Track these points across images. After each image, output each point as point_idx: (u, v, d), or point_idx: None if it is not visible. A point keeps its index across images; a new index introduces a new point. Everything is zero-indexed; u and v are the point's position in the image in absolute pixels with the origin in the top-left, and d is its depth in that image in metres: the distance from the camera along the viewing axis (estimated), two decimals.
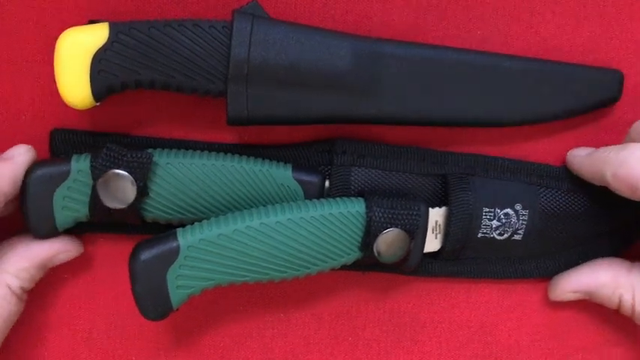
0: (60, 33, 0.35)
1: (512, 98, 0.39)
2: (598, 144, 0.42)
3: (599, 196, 0.40)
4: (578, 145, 0.42)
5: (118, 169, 0.35)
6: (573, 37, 0.41)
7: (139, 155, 0.35)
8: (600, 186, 0.38)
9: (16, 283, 0.36)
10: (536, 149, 0.42)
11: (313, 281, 0.42)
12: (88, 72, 0.34)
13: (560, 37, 0.41)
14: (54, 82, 0.35)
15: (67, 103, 0.35)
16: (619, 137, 0.42)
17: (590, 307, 0.43)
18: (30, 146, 0.37)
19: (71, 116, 0.39)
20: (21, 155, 0.36)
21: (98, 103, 0.36)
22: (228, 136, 0.40)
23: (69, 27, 0.35)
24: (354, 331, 0.42)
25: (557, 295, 0.42)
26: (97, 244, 0.40)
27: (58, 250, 0.37)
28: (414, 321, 0.42)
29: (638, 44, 0.41)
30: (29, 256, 0.37)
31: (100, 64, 0.34)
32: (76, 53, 0.34)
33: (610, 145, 0.39)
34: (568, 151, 0.42)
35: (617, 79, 0.40)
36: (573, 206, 0.41)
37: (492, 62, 0.38)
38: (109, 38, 0.34)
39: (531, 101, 0.39)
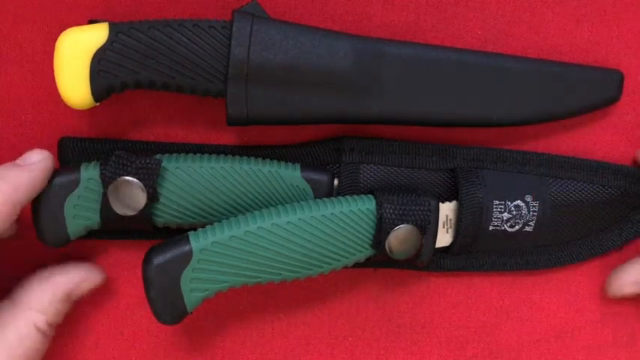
0: (60, 33, 0.35)
1: (512, 98, 0.39)
2: (598, 144, 0.42)
3: (610, 186, 0.41)
4: (578, 145, 0.42)
5: (127, 175, 0.35)
6: (573, 37, 0.41)
7: (148, 161, 0.35)
8: (610, 175, 0.39)
9: (42, 320, 0.35)
10: (537, 149, 0.42)
11: (313, 281, 0.42)
12: (88, 72, 0.34)
13: (560, 37, 0.41)
14: (54, 82, 0.35)
15: (66, 103, 0.35)
16: (619, 137, 0.42)
17: (591, 306, 0.43)
18: (48, 152, 0.35)
19: (71, 116, 0.39)
20: (40, 162, 0.34)
21: (98, 103, 0.36)
22: (228, 136, 0.40)
23: (69, 27, 0.35)
24: (354, 331, 0.42)
25: (616, 288, 0.41)
26: (99, 249, 0.40)
27: (81, 278, 0.37)
28: (414, 321, 0.42)
29: (638, 44, 0.41)
30: (52, 289, 0.35)
31: (99, 64, 0.34)
32: (75, 53, 0.34)
33: (610, 145, 0.39)
34: (567, 150, 0.42)
35: (617, 79, 0.40)
36: (583, 196, 0.41)
37: (492, 62, 0.38)
38: (108, 38, 0.34)
39: (531, 101, 0.39)
